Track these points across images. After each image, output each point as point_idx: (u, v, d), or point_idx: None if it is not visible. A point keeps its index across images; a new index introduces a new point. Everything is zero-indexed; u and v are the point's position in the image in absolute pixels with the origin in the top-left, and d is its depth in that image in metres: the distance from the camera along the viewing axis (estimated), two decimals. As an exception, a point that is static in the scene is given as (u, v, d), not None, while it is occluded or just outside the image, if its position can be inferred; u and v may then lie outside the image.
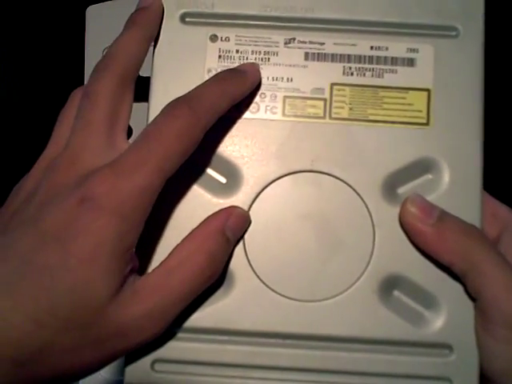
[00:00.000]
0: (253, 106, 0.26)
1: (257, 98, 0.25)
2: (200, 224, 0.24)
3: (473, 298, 0.25)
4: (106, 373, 0.56)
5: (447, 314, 0.24)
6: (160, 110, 0.24)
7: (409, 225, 0.24)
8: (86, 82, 0.65)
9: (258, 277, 0.24)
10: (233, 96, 0.24)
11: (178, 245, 0.24)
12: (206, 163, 0.25)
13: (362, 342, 0.24)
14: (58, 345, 0.20)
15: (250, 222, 0.24)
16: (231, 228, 0.23)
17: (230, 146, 0.25)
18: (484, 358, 0.24)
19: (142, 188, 0.21)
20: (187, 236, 0.24)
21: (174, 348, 0.24)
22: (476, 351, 0.24)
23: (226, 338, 0.24)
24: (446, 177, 0.24)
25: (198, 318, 0.24)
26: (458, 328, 0.24)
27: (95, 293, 0.21)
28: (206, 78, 0.25)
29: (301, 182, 0.24)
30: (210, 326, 0.24)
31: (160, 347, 0.24)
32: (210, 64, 0.26)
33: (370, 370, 0.23)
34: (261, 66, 0.25)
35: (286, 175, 0.25)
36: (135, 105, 0.27)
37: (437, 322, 0.24)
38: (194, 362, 0.24)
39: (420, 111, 0.24)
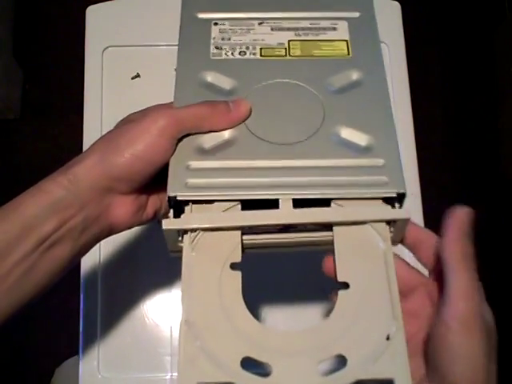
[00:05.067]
0: (242, 53, 0.41)
1: (243, 49, 0.42)
2: None
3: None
4: (106, 373, 0.56)
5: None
6: (185, 58, 0.41)
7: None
8: (86, 82, 0.65)
9: (251, 132, 0.37)
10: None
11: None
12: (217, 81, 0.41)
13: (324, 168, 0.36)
14: None
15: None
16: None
17: (232, 71, 0.40)
18: (448, 360, 0.29)
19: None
20: None
21: (203, 165, 0.35)
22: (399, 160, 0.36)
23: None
24: (361, 78, 0.40)
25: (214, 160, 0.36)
26: (387, 150, 0.36)
27: None
28: (212, 43, 0.42)
29: (277, 85, 0.40)
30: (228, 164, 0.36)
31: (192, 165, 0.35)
32: (214, 34, 0.42)
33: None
34: (245, 34, 0.43)
35: (269, 81, 0.40)
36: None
37: (374, 154, 0.36)
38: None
39: (343, 50, 0.42)
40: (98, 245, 0.57)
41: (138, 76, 0.65)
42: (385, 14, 0.67)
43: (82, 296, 0.57)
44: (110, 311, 0.57)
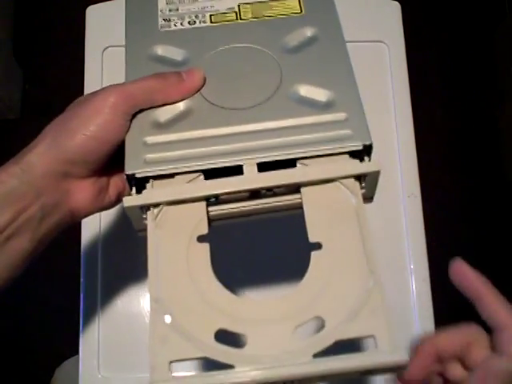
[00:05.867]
0: (191, 22, 0.40)
1: (193, 18, 0.40)
2: None
3: None
4: (106, 372, 0.56)
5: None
6: (133, 34, 0.40)
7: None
8: (86, 82, 0.65)
9: (207, 101, 0.36)
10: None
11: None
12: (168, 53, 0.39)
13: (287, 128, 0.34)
14: None
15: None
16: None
17: (182, 41, 0.39)
18: None
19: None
20: None
21: (160, 140, 0.34)
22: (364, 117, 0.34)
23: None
24: (316, 35, 0.39)
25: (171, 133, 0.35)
26: (349, 104, 0.35)
27: None
28: (159, 15, 0.41)
29: (231, 50, 0.39)
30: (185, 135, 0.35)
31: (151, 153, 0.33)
32: (161, 6, 0.41)
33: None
34: (193, 3, 0.41)
35: (222, 48, 0.39)
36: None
37: (334, 108, 0.35)
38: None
39: (295, 8, 0.40)
40: (98, 244, 0.58)
41: (138, 76, 0.65)
42: (385, 13, 0.67)
43: (81, 296, 0.57)
44: (110, 311, 0.57)
